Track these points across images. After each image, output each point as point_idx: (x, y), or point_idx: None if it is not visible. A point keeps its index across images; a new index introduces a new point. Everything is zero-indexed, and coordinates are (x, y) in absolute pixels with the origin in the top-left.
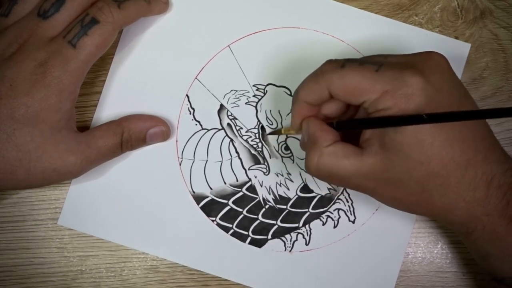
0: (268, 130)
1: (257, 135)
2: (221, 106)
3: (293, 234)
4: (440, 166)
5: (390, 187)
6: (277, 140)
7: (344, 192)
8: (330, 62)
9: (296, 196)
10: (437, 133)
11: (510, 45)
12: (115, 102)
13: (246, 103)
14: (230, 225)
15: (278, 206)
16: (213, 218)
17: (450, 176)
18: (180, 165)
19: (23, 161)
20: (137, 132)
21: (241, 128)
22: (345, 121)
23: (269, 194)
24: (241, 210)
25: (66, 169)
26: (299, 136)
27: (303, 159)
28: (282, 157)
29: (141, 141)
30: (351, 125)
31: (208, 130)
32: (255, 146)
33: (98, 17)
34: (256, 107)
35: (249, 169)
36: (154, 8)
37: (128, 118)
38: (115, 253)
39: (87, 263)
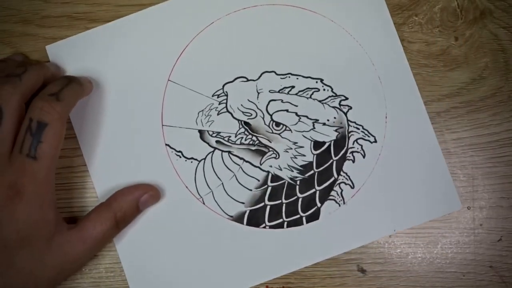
0: (251, 122)
1: (245, 132)
2: (200, 131)
3: (336, 188)
4: None
5: None
6: (264, 123)
7: (349, 123)
8: None
9: (314, 155)
10: None
11: (510, 45)
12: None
13: (218, 114)
14: (280, 220)
15: (307, 175)
16: (263, 225)
17: None
18: (204, 204)
19: (29, 284)
20: (129, 207)
21: (229, 136)
22: None
23: (292, 171)
24: (280, 201)
25: (70, 268)
26: (283, 107)
27: (296, 123)
28: (279, 134)
29: (135, 212)
30: None
31: (204, 158)
32: (251, 142)
33: (44, 119)
34: (228, 111)
35: (261, 164)
36: (86, 88)
37: (116, 197)
38: (115, 253)
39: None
